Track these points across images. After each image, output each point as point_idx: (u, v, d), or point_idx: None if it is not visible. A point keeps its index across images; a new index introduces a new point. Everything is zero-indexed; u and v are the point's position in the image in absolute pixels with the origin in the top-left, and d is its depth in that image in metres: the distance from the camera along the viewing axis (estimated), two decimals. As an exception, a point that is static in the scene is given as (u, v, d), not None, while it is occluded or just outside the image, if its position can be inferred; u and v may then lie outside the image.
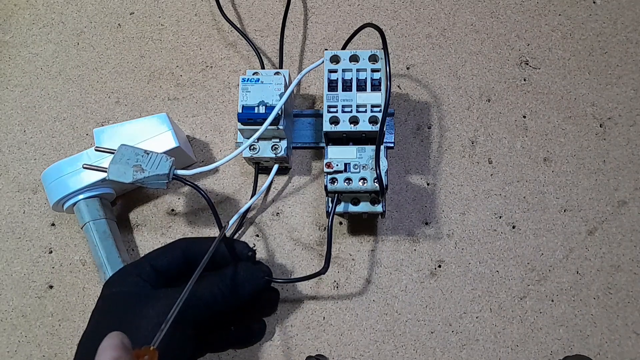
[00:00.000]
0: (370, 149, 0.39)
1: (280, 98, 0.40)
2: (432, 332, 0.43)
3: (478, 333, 0.43)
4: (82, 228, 0.43)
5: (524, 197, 0.45)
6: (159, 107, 0.49)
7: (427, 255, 0.44)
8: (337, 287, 0.44)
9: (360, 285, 0.44)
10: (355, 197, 0.41)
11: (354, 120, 0.39)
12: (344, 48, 0.44)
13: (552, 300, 0.43)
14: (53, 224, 0.46)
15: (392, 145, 0.43)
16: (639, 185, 0.45)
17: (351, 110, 0.39)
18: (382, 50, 0.39)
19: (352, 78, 0.40)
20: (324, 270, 0.39)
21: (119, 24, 0.51)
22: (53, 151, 0.48)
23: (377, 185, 0.38)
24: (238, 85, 0.42)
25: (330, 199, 0.40)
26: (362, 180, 0.38)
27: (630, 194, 0.45)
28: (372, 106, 0.39)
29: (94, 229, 0.42)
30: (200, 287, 0.35)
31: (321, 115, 0.40)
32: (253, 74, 0.42)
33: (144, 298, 0.34)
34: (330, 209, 0.40)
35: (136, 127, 0.43)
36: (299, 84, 0.48)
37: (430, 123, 0.47)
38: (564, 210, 0.45)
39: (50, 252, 0.46)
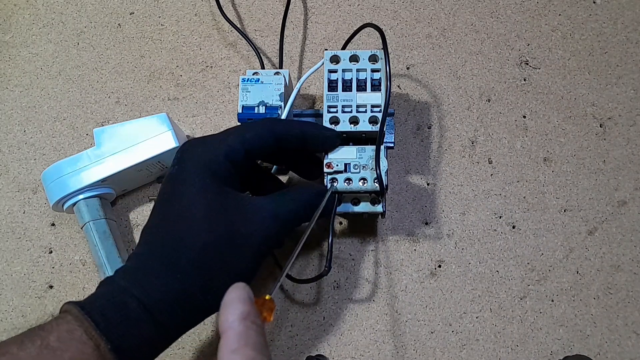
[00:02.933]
0: (370, 149, 0.39)
1: (280, 98, 0.40)
2: (432, 332, 0.43)
3: (478, 333, 0.43)
4: (82, 228, 0.43)
5: (524, 197, 0.45)
6: (159, 107, 0.49)
7: (427, 255, 0.44)
8: (337, 287, 0.44)
9: (360, 285, 0.44)
10: (355, 197, 0.41)
11: (354, 121, 0.39)
12: (344, 48, 0.44)
13: (552, 300, 0.43)
14: (53, 224, 0.46)
15: (392, 145, 0.43)
16: (639, 185, 0.45)
17: (351, 110, 0.39)
18: (382, 50, 0.39)
19: (352, 78, 0.40)
20: (326, 272, 0.39)
21: (119, 24, 0.51)
22: (53, 151, 0.48)
23: (377, 185, 0.38)
24: (238, 85, 0.41)
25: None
26: (362, 181, 0.38)
27: (630, 194, 0.45)
28: (372, 106, 0.39)
29: (94, 229, 0.42)
30: (285, 201, 0.35)
31: (321, 115, 0.40)
32: (253, 74, 0.42)
33: (219, 196, 0.33)
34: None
35: (136, 127, 0.43)
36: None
37: (430, 123, 0.47)
38: (564, 210, 0.45)
39: (50, 252, 0.46)
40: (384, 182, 0.38)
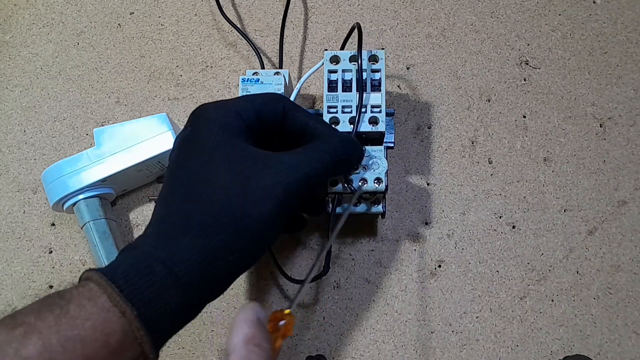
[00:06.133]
0: (370, 149, 0.39)
1: None
2: (432, 332, 0.43)
3: (478, 333, 0.43)
4: (82, 228, 0.43)
5: (524, 197, 0.45)
6: (159, 107, 0.49)
7: (427, 255, 0.44)
8: (337, 287, 0.44)
9: (360, 285, 0.44)
10: None
11: (354, 121, 0.39)
12: (342, 49, 0.44)
13: (552, 300, 0.43)
14: (53, 224, 0.46)
15: (392, 145, 0.43)
16: (639, 185, 0.45)
17: (351, 110, 0.39)
18: (382, 50, 0.39)
19: (352, 78, 0.40)
20: (324, 272, 0.39)
21: (119, 24, 0.51)
22: (53, 151, 0.48)
23: (377, 185, 0.38)
24: (238, 85, 0.41)
25: (330, 199, 0.40)
26: (362, 181, 0.38)
27: (630, 194, 0.45)
28: (372, 107, 0.39)
29: (94, 229, 0.42)
30: (313, 156, 0.34)
31: (321, 115, 0.40)
32: (253, 74, 0.42)
33: (236, 150, 0.32)
34: (330, 210, 0.40)
35: (136, 127, 0.43)
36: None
37: (430, 123, 0.47)
38: (564, 210, 0.45)
39: (50, 252, 0.46)
40: (385, 183, 0.38)
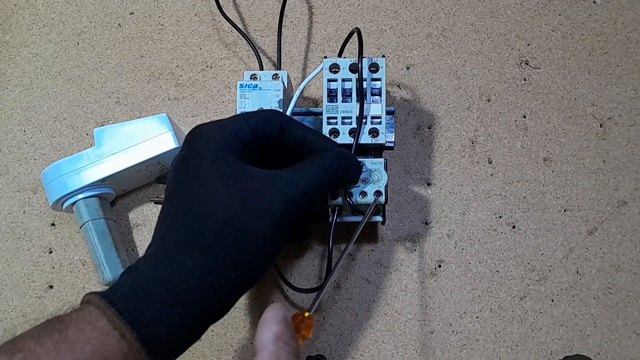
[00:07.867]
0: (370, 161, 0.38)
1: (279, 105, 0.40)
2: (432, 332, 0.43)
3: (478, 333, 0.43)
4: (81, 228, 0.43)
5: (524, 197, 0.45)
6: (159, 107, 0.49)
7: (427, 255, 0.44)
8: (337, 287, 0.44)
9: (360, 285, 0.44)
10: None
11: (354, 132, 0.38)
12: (340, 55, 0.43)
13: (552, 300, 0.43)
14: (53, 224, 0.46)
15: (392, 145, 0.43)
16: (639, 185, 0.45)
17: (351, 122, 0.38)
18: (382, 58, 0.38)
19: (352, 88, 0.39)
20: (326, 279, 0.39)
21: (119, 24, 0.51)
22: (53, 151, 0.48)
23: (375, 197, 0.37)
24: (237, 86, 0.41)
25: (330, 210, 0.40)
26: (361, 194, 0.38)
27: (630, 194, 0.45)
28: (372, 117, 0.38)
29: (93, 229, 0.42)
30: (312, 171, 0.34)
31: (318, 114, 0.39)
32: (251, 77, 0.41)
33: (233, 168, 0.32)
34: (331, 220, 0.39)
35: (136, 127, 0.43)
36: (298, 87, 0.48)
37: (430, 123, 0.47)
38: (564, 210, 0.45)
39: (50, 252, 0.46)
40: (384, 196, 0.37)
